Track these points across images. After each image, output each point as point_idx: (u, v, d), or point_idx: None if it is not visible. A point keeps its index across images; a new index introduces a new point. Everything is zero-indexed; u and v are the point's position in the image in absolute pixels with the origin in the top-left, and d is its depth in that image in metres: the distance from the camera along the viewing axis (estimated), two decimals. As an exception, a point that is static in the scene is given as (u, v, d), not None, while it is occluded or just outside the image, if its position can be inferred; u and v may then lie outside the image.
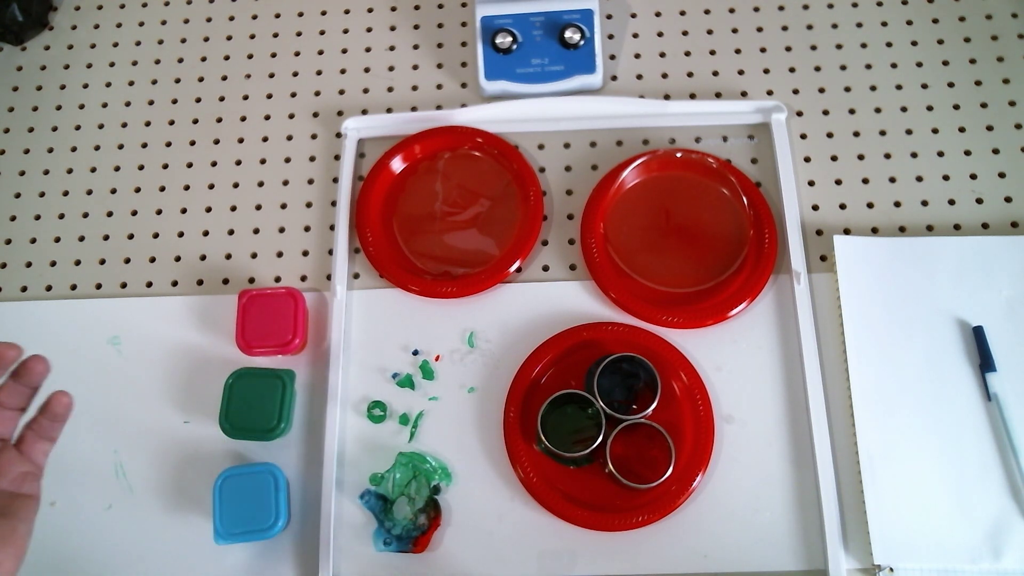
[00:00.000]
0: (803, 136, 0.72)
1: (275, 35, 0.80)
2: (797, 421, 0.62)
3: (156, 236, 0.72)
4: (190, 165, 0.75)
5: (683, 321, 0.65)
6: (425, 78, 0.77)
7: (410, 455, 0.63)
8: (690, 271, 0.67)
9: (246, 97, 0.78)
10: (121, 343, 0.68)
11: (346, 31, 0.80)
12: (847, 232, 0.68)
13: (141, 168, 0.75)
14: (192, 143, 0.76)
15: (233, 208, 0.73)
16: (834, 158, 0.71)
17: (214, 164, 0.75)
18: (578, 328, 0.65)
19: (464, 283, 0.67)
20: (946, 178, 0.69)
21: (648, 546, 0.60)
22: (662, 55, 0.76)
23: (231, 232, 0.72)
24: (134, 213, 0.74)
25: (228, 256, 0.71)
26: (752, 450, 0.62)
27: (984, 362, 0.61)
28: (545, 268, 0.69)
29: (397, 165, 0.72)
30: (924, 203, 0.69)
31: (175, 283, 0.71)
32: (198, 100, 0.78)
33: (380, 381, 0.66)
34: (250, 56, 0.79)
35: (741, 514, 0.60)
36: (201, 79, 0.79)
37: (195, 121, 0.77)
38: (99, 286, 0.71)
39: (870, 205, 0.69)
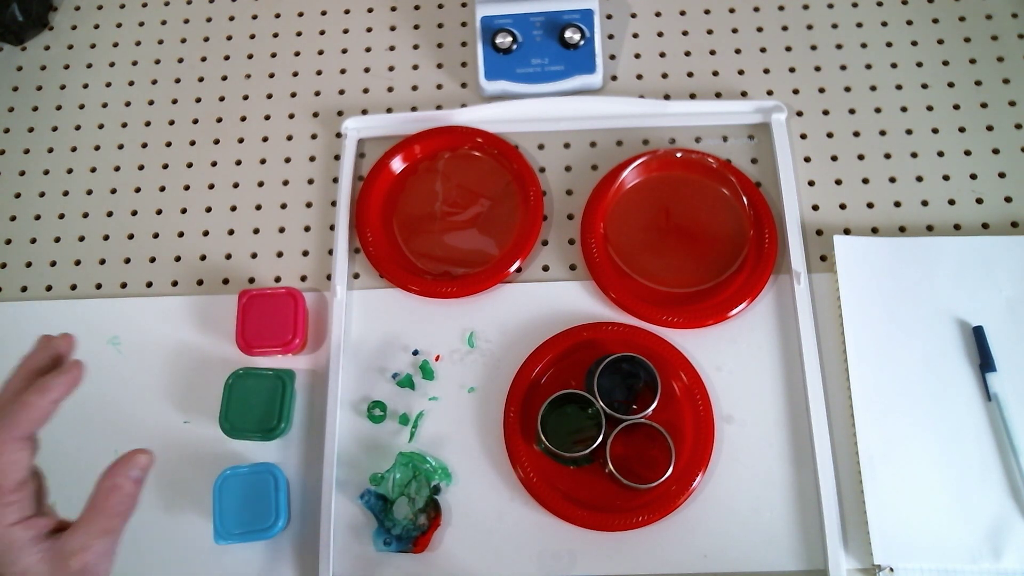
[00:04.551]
0: (803, 136, 0.72)
1: (275, 35, 0.80)
2: (797, 421, 0.62)
3: (156, 236, 0.72)
4: (190, 165, 0.75)
5: (683, 321, 0.65)
6: (425, 78, 0.77)
7: (410, 455, 0.63)
8: (690, 271, 0.67)
9: (246, 97, 0.78)
10: (121, 343, 0.68)
11: (346, 31, 0.80)
12: (847, 232, 0.68)
13: (141, 168, 0.75)
14: (192, 143, 0.76)
15: (233, 208, 0.73)
16: (834, 158, 0.71)
17: (214, 164, 0.75)
18: (578, 328, 0.65)
19: (464, 283, 0.67)
20: (946, 178, 0.69)
21: (648, 546, 0.60)
22: (662, 55, 0.76)
23: (231, 232, 0.72)
24: (134, 213, 0.74)
25: (228, 256, 0.71)
26: (752, 450, 0.62)
27: (984, 362, 0.61)
28: (545, 268, 0.69)
29: (397, 165, 0.72)
30: (924, 203, 0.69)
31: (175, 283, 0.71)
32: (198, 100, 0.78)
33: (380, 381, 0.66)
34: (250, 56, 0.79)
35: (741, 514, 0.60)
36: (201, 79, 0.79)
37: (195, 121, 0.77)
38: (99, 286, 0.71)
39: (870, 205, 0.69)
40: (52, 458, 0.66)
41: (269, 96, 0.77)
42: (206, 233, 0.72)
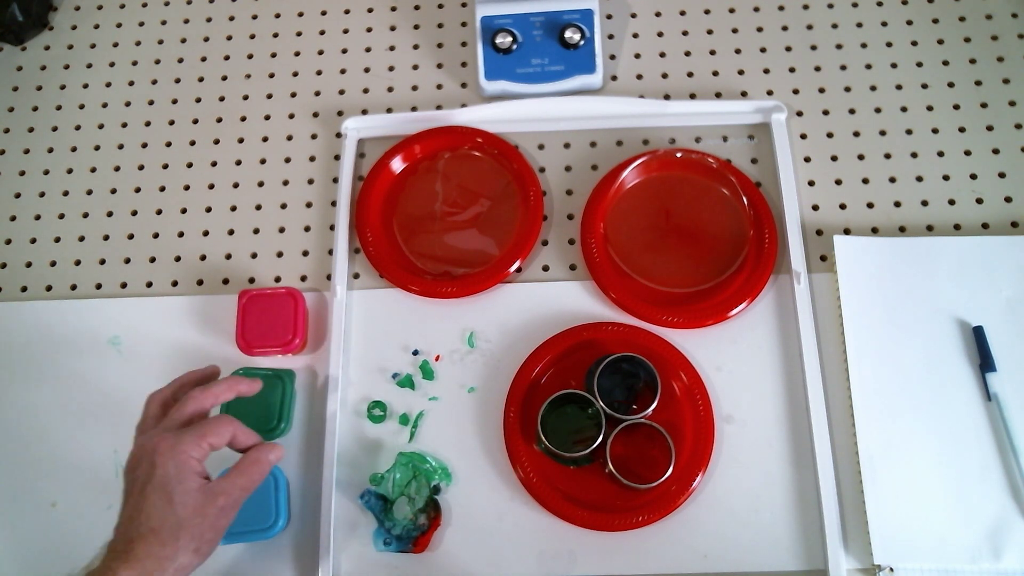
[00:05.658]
0: (803, 136, 0.72)
1: (275, 35, 0.80)
2: (797, 421, 0.62)
3: (156, 236, 0.72)
4: (190, 165, 0.75)
5: (683, 321, 0.65)
6: (425, 78, 0.77)
7: (410, 455, 0.63)
8: (690, 271, 0.67)
9: (246, 97, 0.78)
10: (121, 343, 0.68)
11: (346, 31, 0.80)
12: (847, 232, 0.68)
13: (141, 168, 0.75)
14: (192, 143, 0.76)
15: (233, 208, 0.73)
16: (834, 158, 0.71)
17: (214, 164, 0.75)
18: (578, 328, 0.65)
19: (464, 283, 0.67)
20: (946, 178, 0.69)
21: (648, 546, 0.60)
22: (662, 55, 0.76)
23: (231, 232, 0.72)
24: (134, 213, 0.74)
25: (228, 256, 0.71)
26: (752, 450, 0.62)
27: (984, 362, 0.61)
28: (545, 268, 0.69)
29: (397, 165, 0.72)
30: (924, 203, 0.69)
31: (175, 283, 0.71)
32: (198, 100, 0.78)
33: (380, 381, 0.66)
34: (250, 56, 0.79)
35: (741, 514, 0.60)
36: (201, 79, 0.79)
37: (195, 121, 0.77)
38: (99, 286, 0.71)
39: (870, 205, 0.69)
40: (53, 457, 0.67)
41: (269, 96, 0.77)
42: (206, 233, 0.72)
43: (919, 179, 0.70)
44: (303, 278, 0.70)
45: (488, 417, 0.64)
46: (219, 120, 0.77)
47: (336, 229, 0.70)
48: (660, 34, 0.78)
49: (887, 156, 0.71)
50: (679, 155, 0.70)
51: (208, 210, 0.73)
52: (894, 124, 0.72)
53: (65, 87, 0.80)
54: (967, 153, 0.70)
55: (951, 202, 0.68)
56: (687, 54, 0.76)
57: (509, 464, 0.62)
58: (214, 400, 0.56)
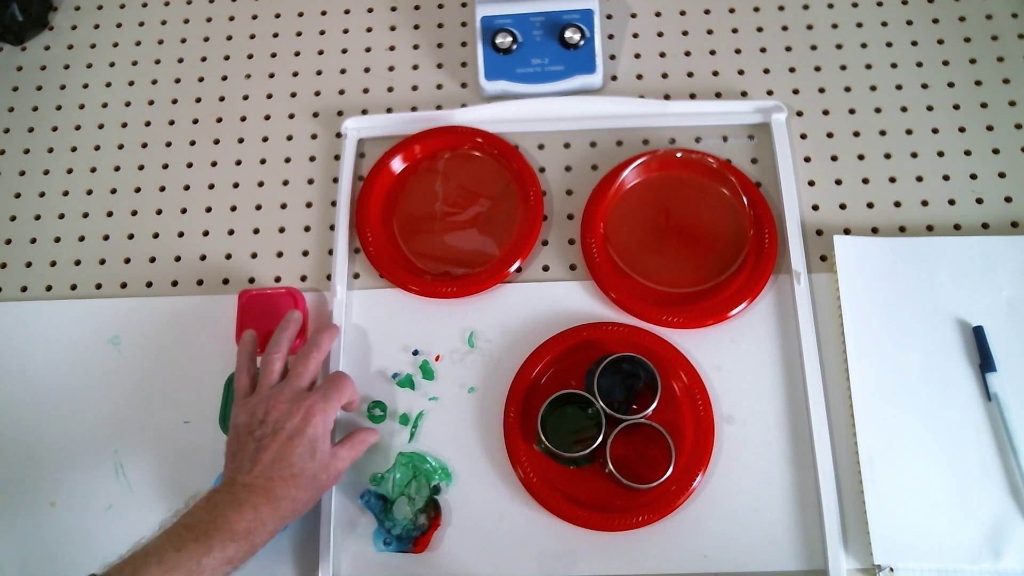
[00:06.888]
0: (803, 136, 0.72)
1: (275, 35, 0.80)
2: (797, 421, 0.62)
3: (156, 236, 0.72)
4: (190, 165, 0.75)
5: (683, 321, 0.65)
6: (425, 78, 0.77)
7: (410, 455, 0.63)
8: (690, 271, 0.67)
9: (246, 97, 0.78)
10: (121, 343, 0.68)
11: (346, 31, 0.80)
12: (847, 232, 0.68)
13: (141, 168, 0.75)
14: (192, 143, 0.76)
15: (233, 208, 0.73)
16: (834, 158, 0.71)
17: (214, 164, 0.75)
18: (578, 328, 0.65)
19: (464, 283, 0.67)
20: (946, 178, 0.69)
21: (648, 546, 0.60)
22: (662, 55, 0.76)
23: (231, 232, 0.72)
24: (134, 213, 0.74)
25: (228, 256, 0.71)
26: (752, 450, 0.62)
27: (984, 362, 0.61)
28: (545, 268, 0.69)
29: (397, 165, 0.72)
30: (924, 203, 0.69)
31: (175, 283, 0.71)
32: (198, 100, 0.78)
33: (380, 381, 0.66)
34: (250, 56, 0.79)
35: (741, 514, 0.60)
36: (201, 79, 0.79)
37: (195, 121, 0.77)
38: (99, 286, 0.71)
39: (870, 205, 0.69)
40: (53, 457, 0.67)
41: (269, 96, 0.77)
42: (206, 233, 0.72)
43: (919, 179, 0.70)
44: (303, 278, 0.70)
45: (488, 417, 0.64)
46: (219, 120, 0.77)
47: (336, 229, 0.70)
48: (660, 34, 0.78)
49: (887, 156, 0.71)
50: (679, 155, 0.70)
51: (208, 210, 0.73)
52: (894, 124, 0.72)
53: (65, 87, 0.80)
54: (967, 153, 0.70)
55: (951, 202, 0.68)
56: (687, 54, 0.76)
57: (509, 464, 0.62)
58: (324, 354, 0.62)
